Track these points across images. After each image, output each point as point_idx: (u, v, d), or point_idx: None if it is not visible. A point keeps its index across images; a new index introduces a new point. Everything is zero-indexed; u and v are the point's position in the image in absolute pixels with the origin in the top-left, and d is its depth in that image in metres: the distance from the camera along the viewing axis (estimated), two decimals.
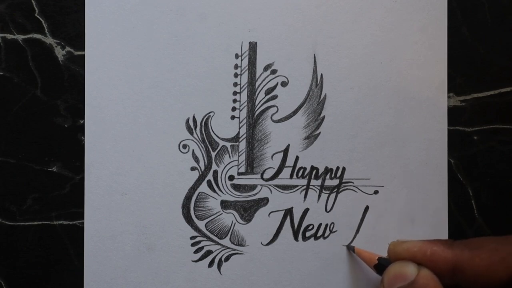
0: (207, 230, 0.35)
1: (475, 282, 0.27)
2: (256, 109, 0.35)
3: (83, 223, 0.35)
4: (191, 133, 0.35)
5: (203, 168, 0.35)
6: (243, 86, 0.35)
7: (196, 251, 0.35)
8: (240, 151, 0.35)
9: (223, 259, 0.35)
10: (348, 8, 0.36)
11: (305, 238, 0.35)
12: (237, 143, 0.35)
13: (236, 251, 0.35)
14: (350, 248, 0.35)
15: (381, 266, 0.31)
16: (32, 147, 0.35)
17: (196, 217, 0.35)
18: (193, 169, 0.35)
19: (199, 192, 0.35)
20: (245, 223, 0.35)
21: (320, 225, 0.36)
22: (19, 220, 0.34)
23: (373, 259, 0.32)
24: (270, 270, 0.35)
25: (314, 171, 0.36)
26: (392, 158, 0.36)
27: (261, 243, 0.35)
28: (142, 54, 0.35)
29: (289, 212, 0.35)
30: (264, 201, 0.35)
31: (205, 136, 0.35)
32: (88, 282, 0.34)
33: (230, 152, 0.35)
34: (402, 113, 0.36)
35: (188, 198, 0.35)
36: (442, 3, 0.36)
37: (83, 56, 0.35)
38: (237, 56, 0.35)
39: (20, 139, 0.35)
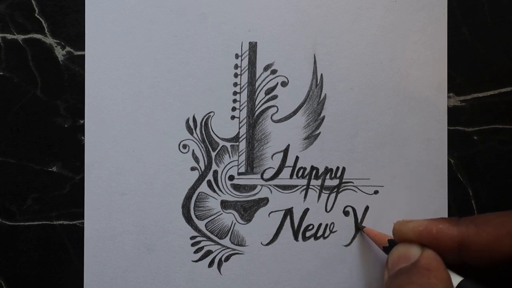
0: (207, 230, 0.35)
1: (480, 257, 0.27)
2: (256, 109, 0.35)
3: (83, 223, 0.35)
4: (191, 133, 0.35)
5: (203, 168, 0.35)
6: (243, 86, 0.35)
7: (196, 251, 0.35)
8: (240, 151, 0.35)
9: (223, 259, 0.35)
10: (348, 8, 0.36)
11: (305, 238, 0.35)
12: (237, 143, 0.35)
13: (236, 251, 0.35)
14: (360, 228, 0.35)
15: (390, 248, 0.31)
16: (32, 147, 0.35)
17: (196, 217, 0.35)
18: (193, 169, 0.35)
19: (199, 192, 0.35)
20: (245, 223, 0.35)
21: (320, 225, 0.36)
22: (19, 220, 0.34)
23: (383, 239, 0.32)
24: (270, 270, 0.35)
25: (314, 171, 0.36)
26: (392, 158, 0.36)
27: (261, 243, 0.35)
28: (142, 54, 0.35)
29: (289, 212, 0.35)
30: (264, 201, 0.35)
31: (205, 136, 0.35)
32: (88, 282, 0.34)
33: (230, 152, 0.35)
34: (402, 113, 0.36)
35: (188, 198, 0.35)
36: (442, 3, 0.36)
37: (83, 56, 0.35)
38: (237, 56, 0.35)
39: (20, 139, 0.35)
